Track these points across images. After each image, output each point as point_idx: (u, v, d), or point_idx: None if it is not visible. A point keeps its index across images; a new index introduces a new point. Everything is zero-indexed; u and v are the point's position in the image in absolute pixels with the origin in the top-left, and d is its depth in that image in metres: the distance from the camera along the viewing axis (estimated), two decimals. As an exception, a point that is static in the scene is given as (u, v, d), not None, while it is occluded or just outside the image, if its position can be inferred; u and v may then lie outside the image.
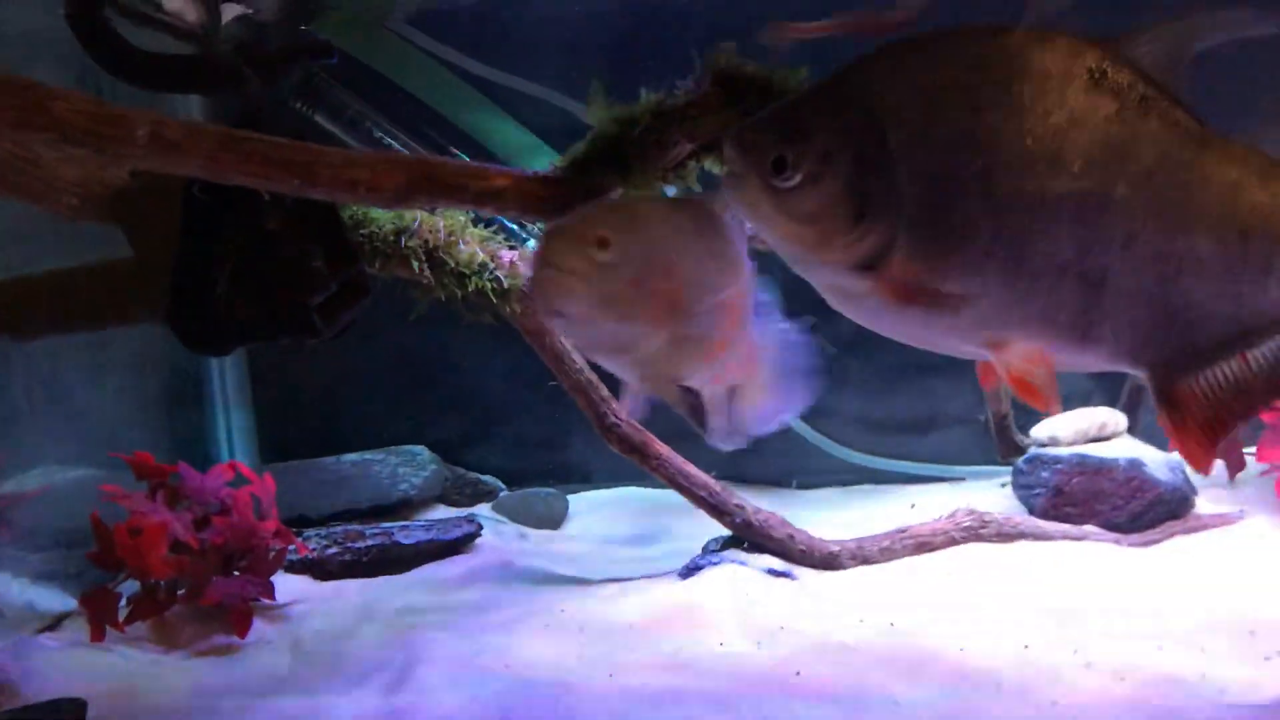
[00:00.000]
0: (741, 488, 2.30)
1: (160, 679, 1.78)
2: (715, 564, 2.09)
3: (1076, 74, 1.01)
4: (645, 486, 2.75)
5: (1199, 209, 1.03)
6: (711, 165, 1.59)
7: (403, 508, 2.63)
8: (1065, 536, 2.15)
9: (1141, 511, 2.19)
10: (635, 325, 1.15)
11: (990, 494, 2.48)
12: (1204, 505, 2.25)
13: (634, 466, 2.18)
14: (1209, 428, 1.06)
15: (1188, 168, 1.02)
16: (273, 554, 2.09)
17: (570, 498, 2.77)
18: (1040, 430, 2.35)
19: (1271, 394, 1.07)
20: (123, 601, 1.93)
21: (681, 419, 1.33)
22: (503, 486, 2.82)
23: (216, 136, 1.44)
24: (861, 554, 2.14)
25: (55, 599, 2.08)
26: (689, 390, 1.26)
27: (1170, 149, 1.02)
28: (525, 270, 2.06)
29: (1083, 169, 1.01)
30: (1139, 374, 1.11)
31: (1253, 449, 2.30)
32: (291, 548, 2.16)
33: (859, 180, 1.00)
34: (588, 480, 2.85)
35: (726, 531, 2.18)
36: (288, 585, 2.19)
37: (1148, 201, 1.02)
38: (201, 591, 1.94)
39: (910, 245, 1.01)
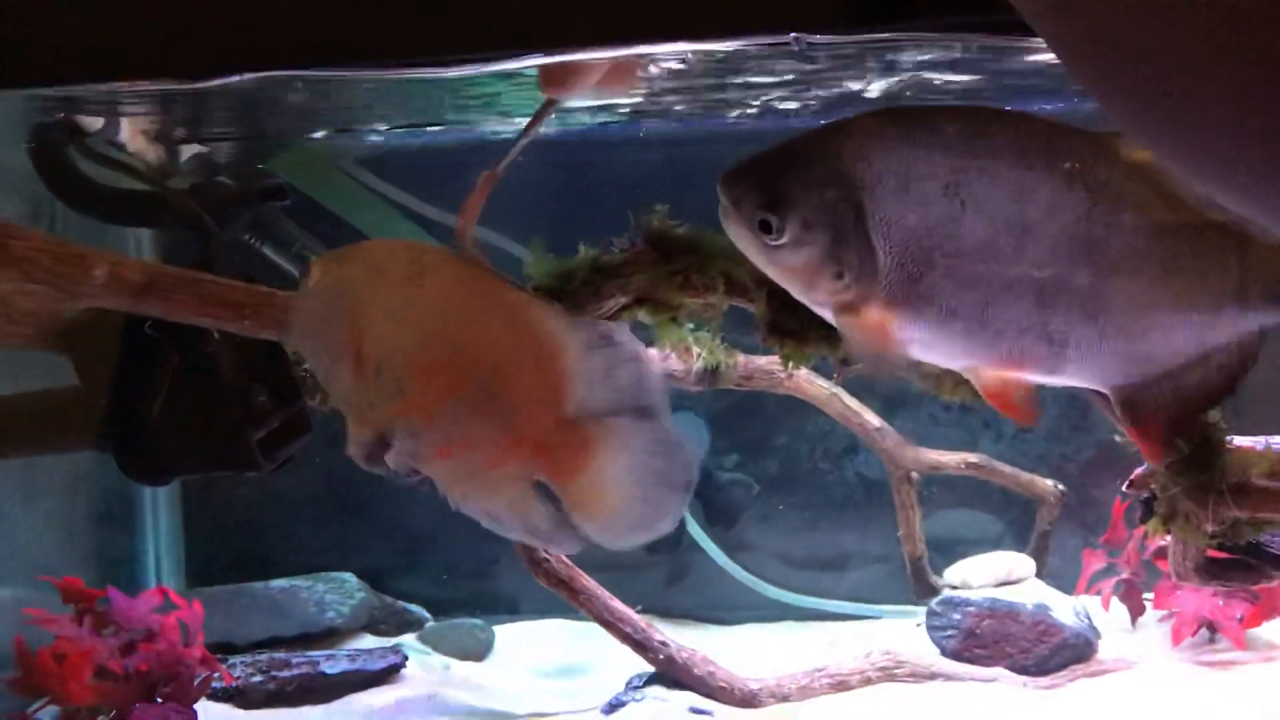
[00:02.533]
0: (666, 622, 2.35)
1: (77, 809, 1.77)
2: (638, 700, 2.13)
3: (1055, 166, 1.08)
4: (572, 618, 2.78)
5: (1164, 292, 1.11)
6: (644, 316, 1.69)
7: (329, 636, 2.64)
8: (976, 678, 2.23)
9: (1048, 655, 2.28)
10: (321, 361, 1.17)
11: (906, 633, 2.55)
12: (1106, 649, 2.35)
13: (560, 598, 2.23)
14: (1170, 427, 1.17)
15: (1157, 258, 1.09)
16: (197, 682, 2.08)
17: (496, 628, 2.79)
18: (953, 573, 2.44)
19: (1229, 388, 1.17)
20: (41, 728, 1.92)
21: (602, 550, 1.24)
22: (428, 616, 2.83)
23: (172, 277, 1.50)
24: (780, 692, 2.19)
25: (-30, 725, 2.05)
26: (378, 451, 1.16)
27: (1139, 243, 1.09)
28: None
29: (1046, 260, 1.08)
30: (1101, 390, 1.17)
31: (1150, 595, 2.41)
32: (216, 676, 2.16)
33: (837, 248, 1.09)
34: (515, 611, 2.88)
35: (650, 667, 2.23)
36: (211, 714, 2.18)
37: (1113, 291, 1.10)
38: (124, 718, 1.93)
39: (885, 302, 1.11)
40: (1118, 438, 1.63)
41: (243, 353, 1.65)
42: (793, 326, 1.59)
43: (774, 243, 1.11)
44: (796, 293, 1.16)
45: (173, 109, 1.79)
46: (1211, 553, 1.68)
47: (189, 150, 2.07)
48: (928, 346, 1.15)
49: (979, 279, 1.08)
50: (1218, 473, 1.53)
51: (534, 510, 1.17)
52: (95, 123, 1.82)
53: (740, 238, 1.15)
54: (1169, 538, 1.75)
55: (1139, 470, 1.66)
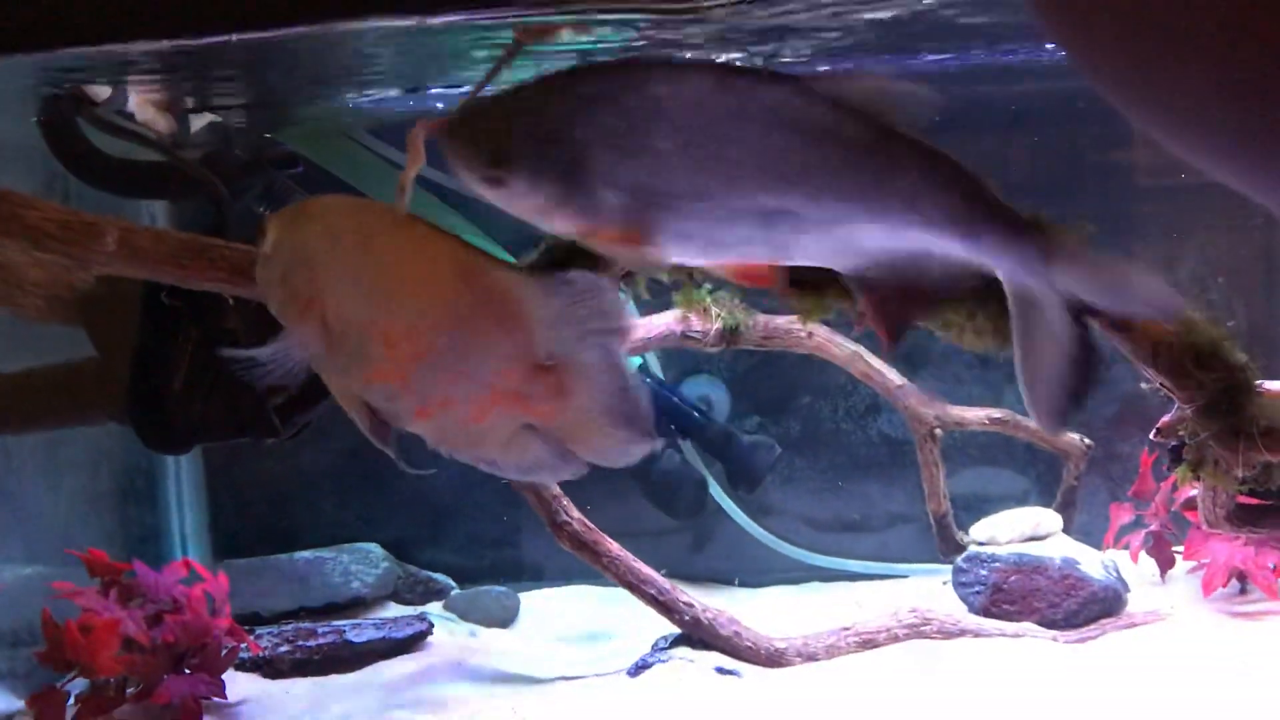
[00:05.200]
0: (691, 586, 2.34)
1: (108, 778, 1.78)
2: (663, 662, 2.12)
3: (758, 107, 1.15)
4: (597, 584, 2.78)
5: (859, 206, 1.16)
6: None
7: (355, 606, 2.64)
8: (1003, 634, 2.21)
9: (1076, 609, 2.26)
10: (288, 324, 1.17)
11: (933, 591, 2.53)
12: (1136, 602, 2.32)
13: (585, 564, 2.23)
14: (899, 308, 1.23)
15: (852, 179, 1.16)
16: (224, 652, 2.10)
17: (522, 595, 2.79)
18: (979, 529, 2.42)
19: (954, 289, 1.22)
20: (71, 700, 1.93)
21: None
22: (454, 585, 2.83)
23: (182, 243, 1.49)
24: (807, 651, 2.18)
25: (2, 699, 2.07)
26: (373, 413, 1.19)
27: (836, 166, 1.16)
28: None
29: (758, 189, 1.15)
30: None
31: (1181, 547, 2.39)
32: (243, 646, 2.17)
33: (566, 195, 1.13)
34: (540, 578, 2.88)
35: (676, 629, 2.22)
36: (239, 684, 2.19)
37: (819, 210, 1.16)
38: (152, 690, 1.94)
39: (623, 232, 1.15)
40: (1144, 385, 1.61)
41: (258, 319, 1.64)
42: (810, 277, 1.58)
43: (504, 190, 1.13)
44: (536, 221, 1.18)
45: (181, 75, 1.78)
46: (1242, 499, 1.66)
47: (199, 120, 2.05)
48: (671, 256, 1.20)
49: (702, 212, 1.15)
50: (1247, 417, 1.51)
51: (529, 449, 1.19)
52: (103, 92, 1.81)
53: (470, 185, 1.16)
54: (1198, 487, 1.74)
55: (1166, 417, 1.64)
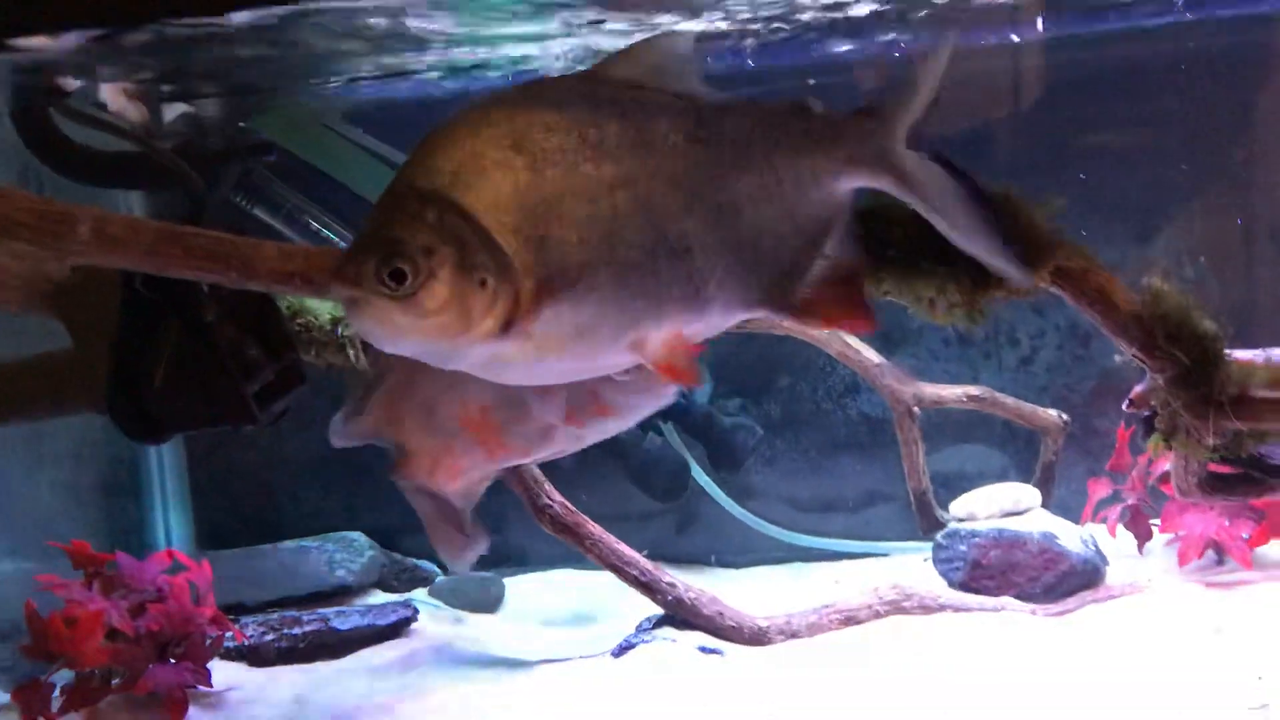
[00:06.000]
0: (674, 567, 2.36)
1: (94, 768, 1.78)
2: (647, 642, 2.13)
3: (640, 130, 1.15)
4: (580, 568, 2.79)
5: (732, 157, 1.19)
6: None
7: (340, 594, 2.65)
8: (983, 608, 2.23)
9: (1055, 583, 2.28)
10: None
11: (914, 568, 2.55)
12: (1114, 575, 2.35)
13: (568, 548, 2.24)
14: (845, 305, 1.25)
15: (700, 139, 1.18)
16: (209, 641, 2.10)
17: (507, 581, 2.80)
18: (958, 506, 2.44)
19: (862, 265, 1.28)
20: (56, 692, 1.94)
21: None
22: (439, 571, 2.84)
23: (157, 231, 1.49)
24: (790, 629, 2.20)
25: (-14, 692, 2.07)
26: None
27: (682, 130, 1.17)
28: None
29: (662, 218, 1.15)
30: (757, 315, 1.25)
31: (1158, 520, 2.41)
32: (228, 634, 2.17)
33: (466, 255, 1.08)
34: (524, 563, 2.89)
35: (660, 610, 2.24)
36: (224, 672, 2.20)
37: (689, 171, 1.17)
38: (137, 680, 1.95)
39: (537, 291, 1.10)
40: (1117, 358, 1.63)
41: (234, 306, 1.65)
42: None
43: (410, 290, 1.07)
44: (456, 337, 1.11)
45: (153, 63, 1.78)
46: (1213, 467, 1.68)
47: (172, 110, 2.05)
48: (590, 330, 1.15)
49: (587, 218, 1.11)
50: (1217, 385, 1.53)
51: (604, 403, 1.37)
52: (75, 83, 1.81)
53: (374, 314, 1.09)
54: (1171, 457, 1.76)
55: (1138, 388, 1.66)
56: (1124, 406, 1.66)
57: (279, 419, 1.70)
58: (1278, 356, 1.65)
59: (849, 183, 1.25)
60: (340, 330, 1.96)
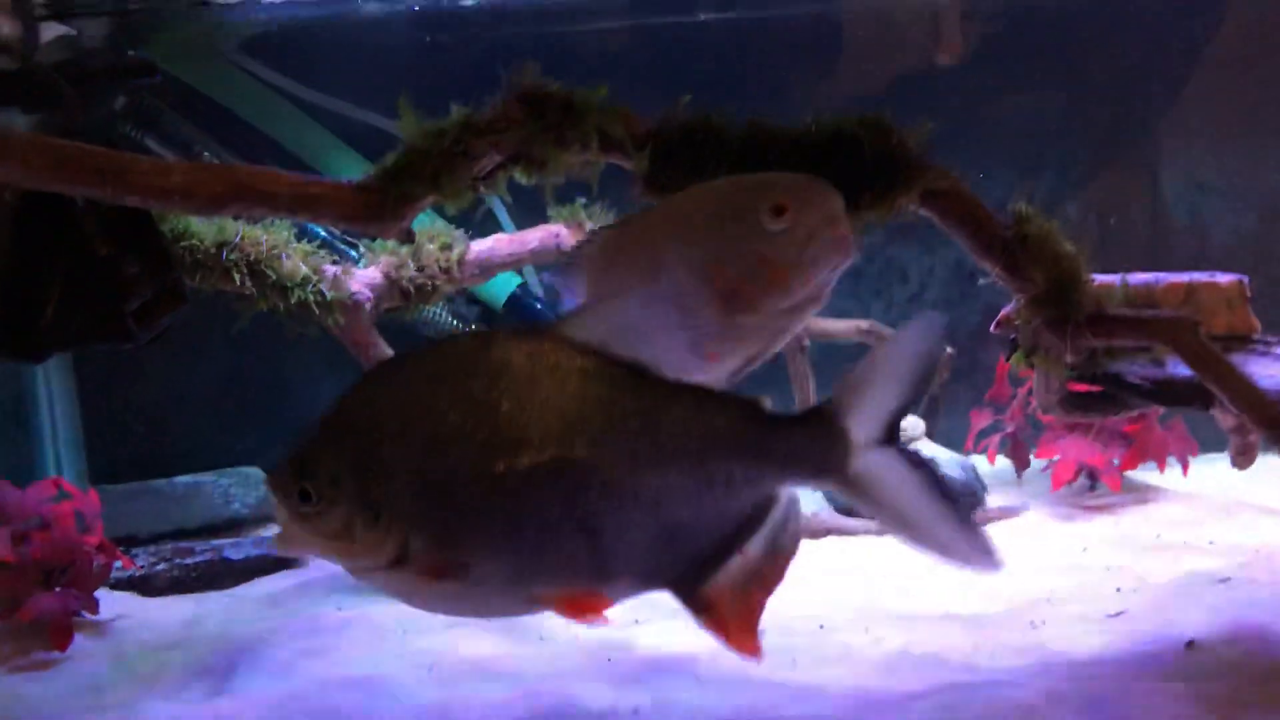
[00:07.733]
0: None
1: (-27, 692, 1.77)
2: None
3: (522, 364, 1.15)
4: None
5: (657, 447, 1.15)
6: (520, 176, 1.69)
7: (236, 526, 2.64)
8: (867, 531, 2.30)
9: (935, 507, 2.36)
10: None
11: (801, 492, 2.61)
12: (993, 500, 2.44)
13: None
14: (743, 616, 1.18)
15: (636, 416, 1.16)
16: (97, 569, 2.09)
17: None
18: (846, 435, 2.49)
19: (778, 574, 1.21)
20: (-63, 619, 1.92)
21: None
22: (338, 505, 2.84)
23: (29, 141, 1.47)
24: (679, 554, 2.24)
25: None
26: None
27: (618, 405, 1.15)
28: (350, 284, 2.13)
29: (542, 441, 1.13)
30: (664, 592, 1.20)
31: (1036, 448, 2.50)
32: (118, 564, 2.16)
33: (365, 493, 1.14)
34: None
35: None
36: (114, 602, 2.19)
37: (609, 454, 1.14)
38: (18, 606, 1.94)
39: (425, 536, 1.14)
40: (981, 280, 1.68)
41: (112, 224, 1.63)
42: (672, 181, 1.61)
43: (313, 510, 1.15)
44: (346, 561, 1.18)
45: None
46: (1074, 386, 1.75)
47: (49, 31, 2.00)
48: (482, 587, 1.16)
49: (489, 481, 1.12)
50: (1074, 305, 1.60)
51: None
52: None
53: (288, 528, 1.17)
54: (1033, 375, 1.83)
55: (1005, 309, 1.72)
56: (991, 328, 1.72)
57: (158, 338, 1.69)
58: (1135, 280, 1.73)
59: (787, 485, 1.22)
60: (226, 254, 1.94)
